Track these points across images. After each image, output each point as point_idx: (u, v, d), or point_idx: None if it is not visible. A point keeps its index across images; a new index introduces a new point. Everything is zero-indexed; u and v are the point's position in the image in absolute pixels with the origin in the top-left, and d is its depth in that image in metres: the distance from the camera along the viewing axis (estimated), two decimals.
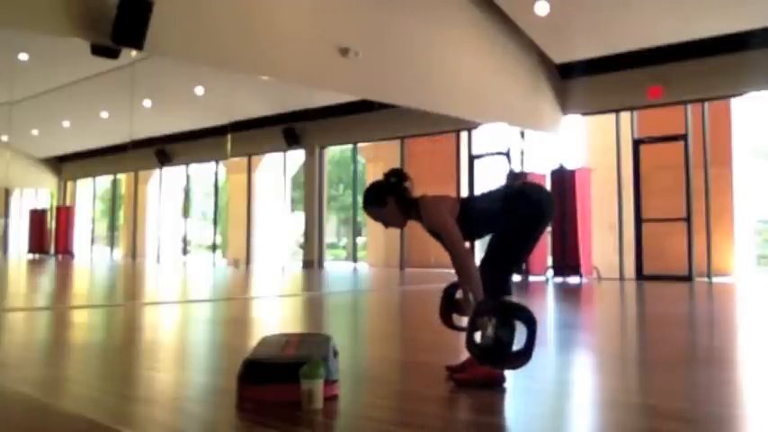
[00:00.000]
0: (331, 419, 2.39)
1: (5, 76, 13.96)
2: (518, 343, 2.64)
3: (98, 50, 7.16)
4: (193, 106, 16.03)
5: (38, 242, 22.55)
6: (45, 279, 11.42)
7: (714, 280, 10.70)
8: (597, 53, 11.31)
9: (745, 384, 3.18)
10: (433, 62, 9.65)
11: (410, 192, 2.98)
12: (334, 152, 18.63)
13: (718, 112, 11.50)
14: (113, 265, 16.87)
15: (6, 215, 25.05)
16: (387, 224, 3.04)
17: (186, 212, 20.58)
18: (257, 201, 18.21)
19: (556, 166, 11.50)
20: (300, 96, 13.88)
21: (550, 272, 11.45)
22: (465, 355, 2.99)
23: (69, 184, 24.48)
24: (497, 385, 2.79)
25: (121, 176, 23.04)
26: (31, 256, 22.35)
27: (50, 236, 22.59)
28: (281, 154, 17.17)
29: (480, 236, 3.10)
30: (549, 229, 11.58)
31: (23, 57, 12.73)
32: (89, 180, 23.69)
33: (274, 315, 6.32)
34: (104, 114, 17.26)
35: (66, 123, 18.98)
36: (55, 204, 24.33)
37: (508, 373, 2.84)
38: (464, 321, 2.88)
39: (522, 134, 12.75)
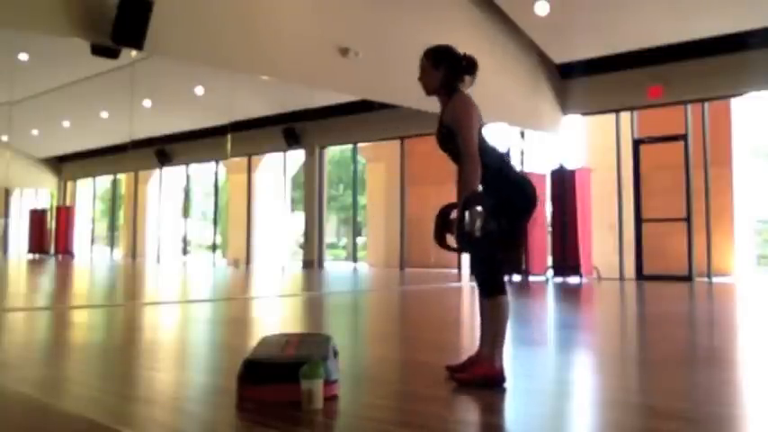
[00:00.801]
0: (331, 419, 2.39)
1: (5, 76, 13.95)
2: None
3: (98, 50, 7.15)
4: (193, 106, 16.02)
5: (38, 242, 22.54)
6: (45, 279, 11.42)
7: (714, 280, 10.70)
8: (597, 53, 11.30)
9: (745, 384, 3.18)
10: None
11: (462, 83, 2.99)
12: (334, 152, 18.62)
13: (718, 112, 11.49)
14: (113, 265, 16.86)
15: (6, 215, 25.04)
16: (422, 79, 3.05)
17: (186, 212, 20.57)
18: (257, 201, 18.21)
19: (556, 166, 11.49)
20: (300, 96, 13.86)
21: (550, 272, 11.44)
22: (465, 355, 3.00)
23: (69, 184, 24.47)
24: (497, 385, 2.79)
25: (121, 176, 23.03)
26: (31, 256, 22.34)
27: (50, 236, 22.58)
28: (281, 154, 17.16)
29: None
30: (549, 229, 11.65)
31: (23, 57, 12.72)
32: (89, 180, 23.69)
33: (274, 315, 6.32)
34: (104, 114, 17.25)
35: (66, 123, 18.97)
36: (55, 204, 24.32)
37: (508, 373, 2.84)
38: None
39: (522, 134, 12.75)
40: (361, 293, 9.19)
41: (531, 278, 11.36)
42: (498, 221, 2.72)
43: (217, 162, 19.01)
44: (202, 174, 20.87)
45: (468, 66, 3.01)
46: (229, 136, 15.41)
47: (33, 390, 2.81)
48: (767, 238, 14.90)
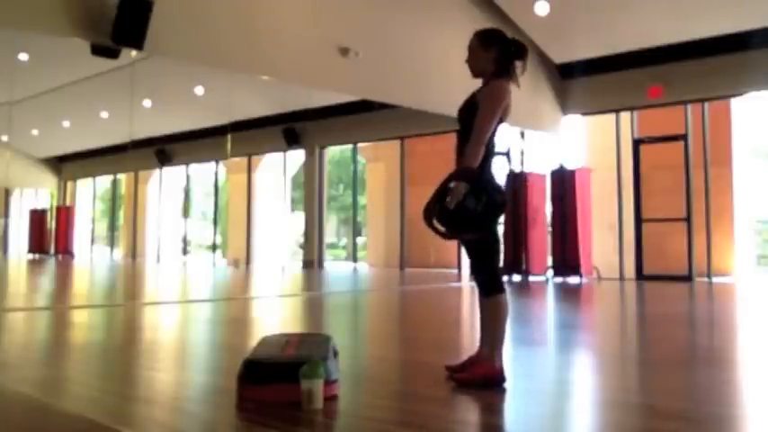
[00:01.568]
0: (331, 419, 2.39)
1: (5, 76, 13.95)
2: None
3: (98, 50, 7.15)
4: (193, 106, 16.02)
5: (38, 242, 22.54)
6: (45, 279, 11.42)
7: (714, 280, 10.70)
8: (597, 53, 11.30)
9: (745, 384, 3.18)
10: (432, 62, 9.64)
11: (510, 68, 2.98)
12: (334, 152, 18.62)
13: (718, 112, 11.50)
14: (113, 266, 16.87)
15: (6, 215, 25.04)
16: (470, 60, 3.03)
17: (186, 212, 20.57)
18: (257, 201, 18.21)
19: (556, 167, 11.49)
20: (300, 96, 13.87)
21: (550, 272, 11.44)
22: (465, 354, 3.00)
23: (69, 184, 24.47)
24: (497, 385, 2.79)
25: (121, 176, 23.03)
26: (31, 256, 22.35)
27: (50, 236, 22.58)
28: (281, 154, 17.16)
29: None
30: (549, 229, 11.65)
31: (23, 57, 12.72)
32: (89, 180, 23.68)
33: (274, 315, 6.32)
34: (104, 114, 17.25)
35: (66, 123, 18.97)
36: (55, 204, 24.32)
37: (508, 373, 2.85)
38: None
39: (522, 134, 12.75)
40: (361, 293, 9.19)
41: (531, 278, 11.36)
42: (478, 203, 2.72)
43: (217, 162, 19.01)
44: (202, 174, 20.87)
45: (517, 50, 3.00)
46: (229, 136, 15.41)
47: (33, 390, 2.81)
48: (767, 238, 14.90)
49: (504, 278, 10.17)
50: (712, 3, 9.54)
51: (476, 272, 2.96)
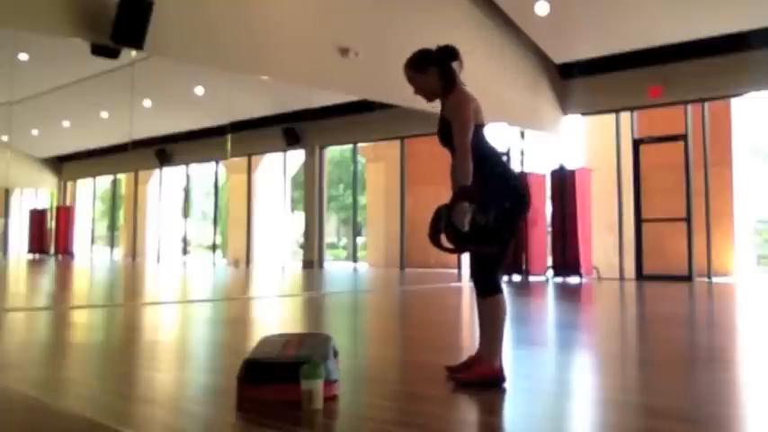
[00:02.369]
0: (331, 419, 2.39)
1: (5, 76, 13.94)
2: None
3: (98, 50, 7.15)
4: (193, 106, 16.02)
5: (38, 242, 22.54)
6: (45, 279, 11.42)
7: (714, 280, 10.70)
8: (597, 53, 11.31)
9: (745, 384, 3.18)
10: None
11: (455, 73, 3.00)
12: (334, 152, 18.62)
13: (718, 112, 11.50)
14: (113, 266, 16.87)
15: (6, 215, 25.03)
16: (416, 91, 3.08)
17: (186, 212, 20.56)
18: (257, 201, 18.20)
19: (556, 167, 11.49)
20: (300, 96, 13.86)
21: (550, 272, 11.44)
22: (465, 355, 3.00)
23: (69, 184, 24.46)
24: (497, 385, 2.79)
25: (121, 176, 23.02)
26: (30, 256, 22.35)
27: (50, 236, 22.58)
28: (281, 154, 17.17)
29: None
30: (548, 229, 11.65)
31: (23, 57, 12.72)
32: (89, 180, 23.68)
33: (274, 315, 6.31)
34: (104, 114, 17.25)
35: (66, 123, 18.96)
36: (55, 204, 24.32)
37: (508, 373, 2.85)
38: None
39: (522, 134, 12.75)
40: (361, 293, 9.19)
41: (531, 278, 11.36)
42: (487, 216, 2.73)
43: (217, 162, 19.01)
44: (202, 174, 20.86)
45: (448, 55, 3.01)
46: (229, 136, 15.41)
47: (33, 390, 2.81)
48: (767, 238, 14.90)
49: (504, 278, 10.19)
50: (712, 3, 9.54)
51: (474, 273, 2.96)
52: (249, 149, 17.28)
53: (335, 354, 2.88)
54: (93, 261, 19.77)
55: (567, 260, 11.13)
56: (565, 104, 12.17)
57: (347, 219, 20.96)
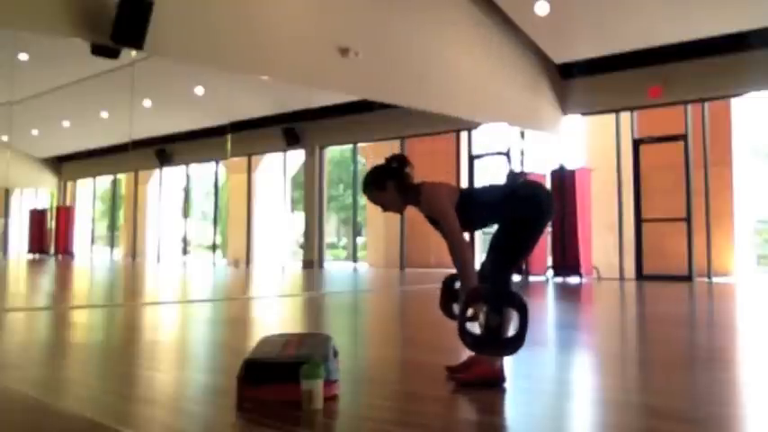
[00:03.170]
0: (331, 419, 2.39)
1: (5, 76, 13.94)
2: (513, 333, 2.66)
3: (98, 50, 7.15)
4: (193, 106, 16.02)
5: (38, 242, 22.55)
6: (45, 279, 11.42)
7: (714, 280, 10.70)
8: (597, 53, 11.31)
9: (745, 384, 3.18)
10: (432, 62, 9.65)
11: (411, 178, 3.01)
12: (334, 152, 18.62)
13: (718, 112, 11.50)
14: (113, 266, 16.87)
15: (6, 215, 25.04)
16: (385, 208, 3.10)
17: (186, 212, 20.57)
18: (257, 201, 18.21)
19: (556, 167, 11.50)
20: (300, 96, 13.87)
21: (550, 272, 11.44)
22: (465, 354, 2.99)
23: (69, 184, 24.47)
24: (497, 385, 2.79)
25: (121, 176, 23.03)
26: (30, 256, 22.35)
27: (50, 236, 22.59)
28: (281, 154, 17.17)
29: (477, 227, 3.13)
30: (548, 229, 11.65)
31: (23, 57, 12.73)
32: (89, 180, 23.69)
33: (274, 315, 6.31)
34: (104, 114, 17.25)
35: (66, 123, 18.97)
36: (55, 204, 24.32)
37: (508, 373, 2.85)
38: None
39: (522, 134, 12.75)
40: (361, 294, 9.19)
41: (531, 278, 11.36)
42: (500, 314, 2.73)
43: (217, 162, 19.01)
44: (202, 174, 20.87)
45: (399, 164, 3.02)
46: (229, 136, 15.41)
47: (33, 390, 2.81)
48: (767, 238, 14.90)
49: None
50: (712, 3, 9.54)
51: (485, 270, 2.97)
52: (249, 149, 17.29)
53: (335, 354, 2.88)
54: (93, 261, 19.77)
55: (566, 260, 11.13)
56: (565, 104, 12.17)
57: (347, 219, 20.96)
